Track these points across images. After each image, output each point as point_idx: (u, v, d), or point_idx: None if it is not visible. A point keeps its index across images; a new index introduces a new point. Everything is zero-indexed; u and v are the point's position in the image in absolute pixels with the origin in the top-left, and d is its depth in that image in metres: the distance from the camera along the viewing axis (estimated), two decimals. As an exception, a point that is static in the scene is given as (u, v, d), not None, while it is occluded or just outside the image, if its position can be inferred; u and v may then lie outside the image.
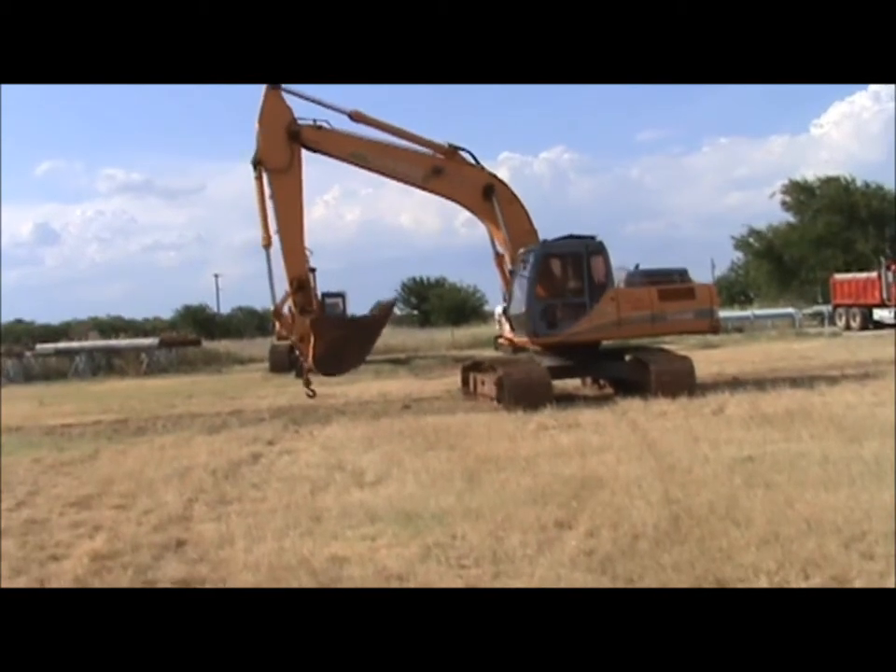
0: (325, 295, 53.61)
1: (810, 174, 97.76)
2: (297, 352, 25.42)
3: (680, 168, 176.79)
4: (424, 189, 25.80)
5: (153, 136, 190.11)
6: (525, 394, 21.74)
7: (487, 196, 25.43)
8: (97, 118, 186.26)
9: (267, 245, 23.18)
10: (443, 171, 25.13)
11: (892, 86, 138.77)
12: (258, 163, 23.23)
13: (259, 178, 23.10)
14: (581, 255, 24.70)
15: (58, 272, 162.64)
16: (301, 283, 22.33)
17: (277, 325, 53.22)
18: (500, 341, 28.81)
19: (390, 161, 25.08)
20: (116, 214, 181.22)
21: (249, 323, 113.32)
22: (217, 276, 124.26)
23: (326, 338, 23.03)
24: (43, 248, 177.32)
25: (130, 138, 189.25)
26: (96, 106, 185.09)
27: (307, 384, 24.10)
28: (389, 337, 72.65)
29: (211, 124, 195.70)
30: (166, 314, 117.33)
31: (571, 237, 25.65)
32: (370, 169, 25.34)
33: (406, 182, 25.68)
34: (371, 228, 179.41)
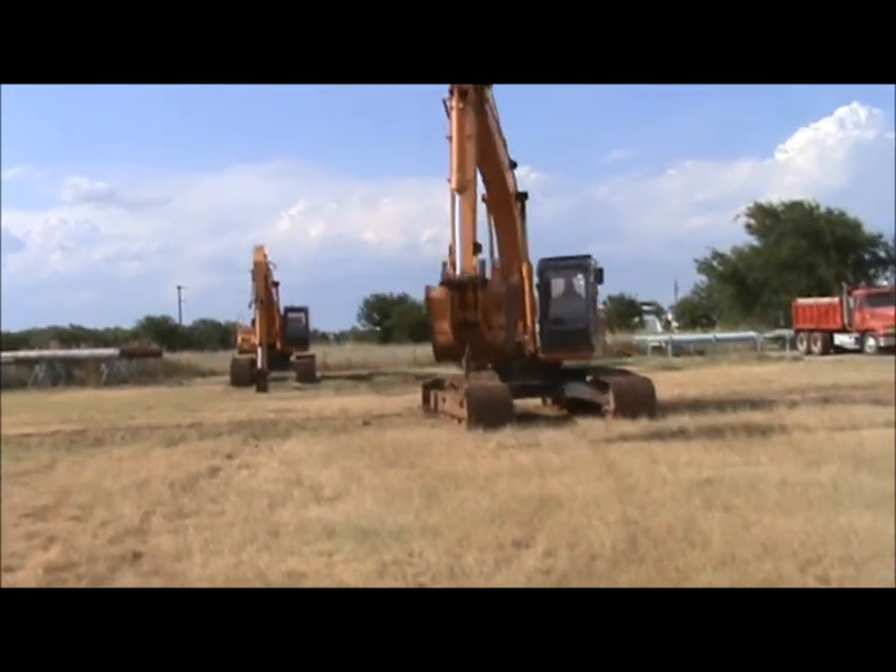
0: (288, 309, 53.56)
1: (775, 198, 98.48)
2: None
3: (646, 190, 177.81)
4: None
5: (119, 146, 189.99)
6: (485, 412, 21.71)
7: (519, 202, 25.41)
8: (65, 126, 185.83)
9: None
10: None
11: (857, 113, 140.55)
12: None
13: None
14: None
15: (20, 279, 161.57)
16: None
17: (239, 338, 53.36)
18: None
19: None
20: (79, 223, 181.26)
21: (211, 335, 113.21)
22: (180, 288, 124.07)
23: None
24: (5, 255, 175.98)
25: (96, 147, 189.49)
26: (64, 114, 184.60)
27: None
28: (351, 353, 72.76)
29: (178, 136, 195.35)
30: (128, 324, 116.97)
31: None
32: None
33: None
34: (335, 243, 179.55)
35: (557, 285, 26.15)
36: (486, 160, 21.64)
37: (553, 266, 25.95)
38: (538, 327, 25.25)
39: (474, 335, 18.54)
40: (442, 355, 19.76)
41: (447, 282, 18.29)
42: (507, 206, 24.51)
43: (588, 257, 26.19)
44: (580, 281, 26.07)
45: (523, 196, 25.68)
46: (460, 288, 17.78)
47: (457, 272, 18.15)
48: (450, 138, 18.44)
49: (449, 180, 18.51)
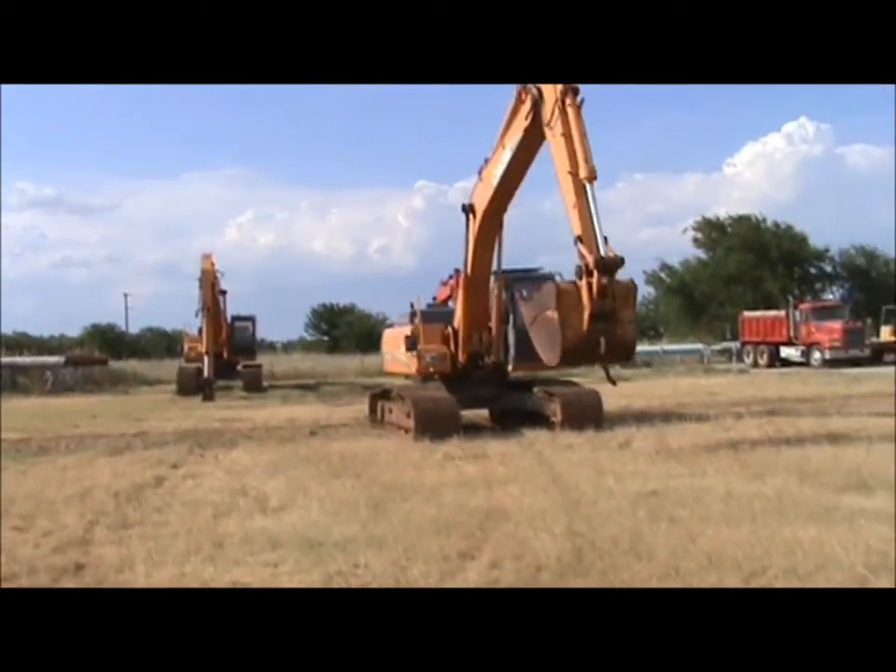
0: (235, 318, 53.27)
1: (723, 211, 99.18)
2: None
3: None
4: None
5: (67, 151, 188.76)
6: (432, 423, 21.70)
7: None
8: (11, 129, 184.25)
9: None
10: None
11: (805, 128, 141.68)
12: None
13: None
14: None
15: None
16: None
17: (186, 346, 53.06)
18: None
19: None
20: (26, 228, 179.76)
21: (158, 344, 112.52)
22: (126, 295, 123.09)
23: None
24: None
25: (43, 152, 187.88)
26: (12, 117, 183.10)
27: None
28: (298, 362, 72.48)
29: (127, 141, 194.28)
30: (74, 331, 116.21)
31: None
32: None
33: None
34: (284, 252, 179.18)
35: (527, 296, 26.15)
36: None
37: (521, 277, 26.07)
38: (510, 338, 25.22)
39: (607, 330, 17.56)
40: (571, 354, 18.11)
41: (599, 261, 17.29)
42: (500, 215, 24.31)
43: (539, 269, 26.43)
44: None
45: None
46: (611, 269, 17.11)
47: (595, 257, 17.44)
48: (565, 136, 18.10)
49: (573, 172, 17.94)
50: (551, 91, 18.59)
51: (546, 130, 18.90)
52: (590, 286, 17.09)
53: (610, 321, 17.54)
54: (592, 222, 17.28)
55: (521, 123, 20.26)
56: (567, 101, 17.91)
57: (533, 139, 20.04)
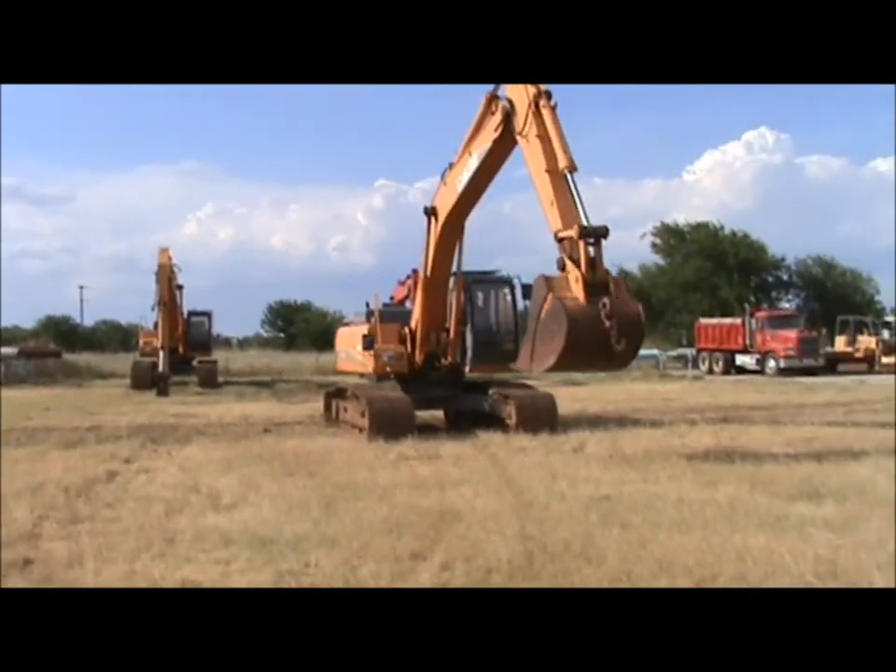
0: (191, 313, 53.12)
1: (681, 218, 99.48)
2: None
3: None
4: None
5: (25, 140, 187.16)
6: (386, 423, 21.70)
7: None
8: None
9: None
10: None
11: (765, 138, 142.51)
12: None
13: None
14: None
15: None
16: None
17: (141, 341, 52.85)
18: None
19: None
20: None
21: (113, 337, 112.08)
22: (82, 288, 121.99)
23: None
24: None
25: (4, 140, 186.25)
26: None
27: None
28: (254, 359, 72.37)
29: (85, 132, 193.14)
30: (28, 323, 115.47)
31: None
32: None
33: None
34: (242, 248, 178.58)
35: (486, 298, 26.32)
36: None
37: (480, 280, 26.32)
38: (467, 339, 25.35)
39: (610, 304, 16.30)
40: (575, 347, 16.39)
41: (583, 229, 16.62)
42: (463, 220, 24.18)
43: (497, 272, 26.65)
44: (507, 296, 26.36)
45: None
46: (596, 236, 16.58)
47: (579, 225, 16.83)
48: (541, 137, 17.87)
49: (550, 170, 17.60)
50: (523, 100, 18.49)
51: (519, 138, 18.82)
52: (577, 262, 16.74)
53: (610, 295, 16.67)
54: (575, 205, 17.07)
55: (490, 134, 20.18)
56: (542, 103, 17.86)
57: (503, 148, 20.09)
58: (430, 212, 23.20)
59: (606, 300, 16.29)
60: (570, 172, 17.00)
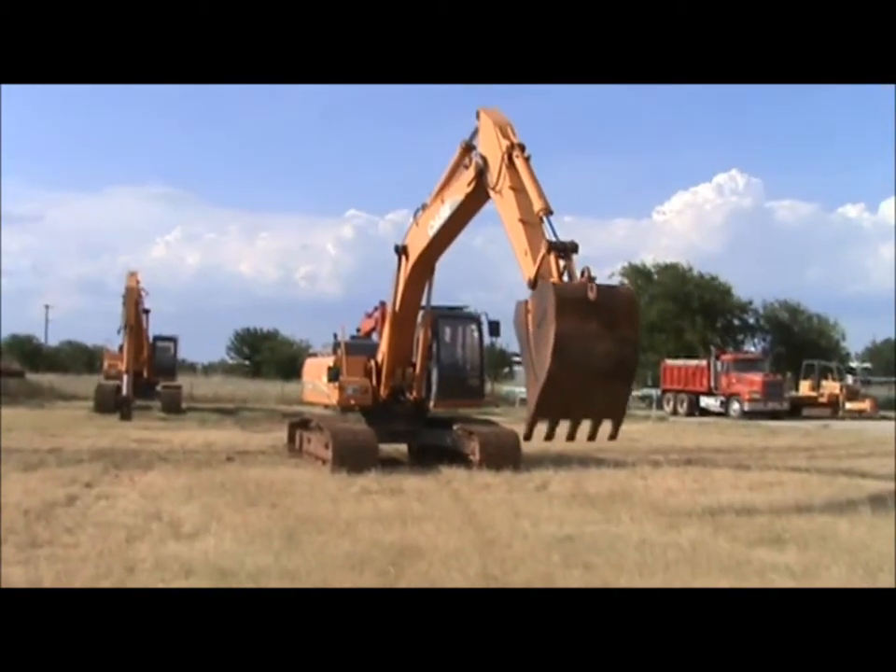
0: (157, 338, 52.95)
1: (650, 258, 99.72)
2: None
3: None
4: None
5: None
6: (350, 456, 21.63)
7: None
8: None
9: None
10: None
11: (735, 181, 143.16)
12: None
13: None
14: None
15: None
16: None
17: (106, 363, 52.58)
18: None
19: None
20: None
21: (77, 358, 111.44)
22: (47, 307, 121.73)
23: None
24: None
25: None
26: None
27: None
28: (218, 386, 72.03)
29: (57, 151, 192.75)
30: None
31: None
32: None
33: None
34: (210, 273, 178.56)
35: (452, 334, 26.46)
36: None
37: (447, 315, 26.46)
38: (433, 374, 25.44)
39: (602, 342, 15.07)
40: (567, 323, 14.82)
41: (550, 244, 16.06)
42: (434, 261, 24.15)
43: (464, 307, 26.80)
44: (473, 332, 26.59)
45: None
46: (565, 250, 15.57)
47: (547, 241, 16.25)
48: (514, 189, 17.59)
49: (523, 220, 17.07)
50: (496, 155, 18.42)
51: (492, 193, 18.70)
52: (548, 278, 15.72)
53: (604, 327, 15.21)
54: (538, 242, 16.51)
55: (463, 188, 20.17)
56: (515, 154, 17.80)
57: (475, 202, 20.11)
58: (401, 250, 23.23)
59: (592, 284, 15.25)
60: (547, 215, 16.74)
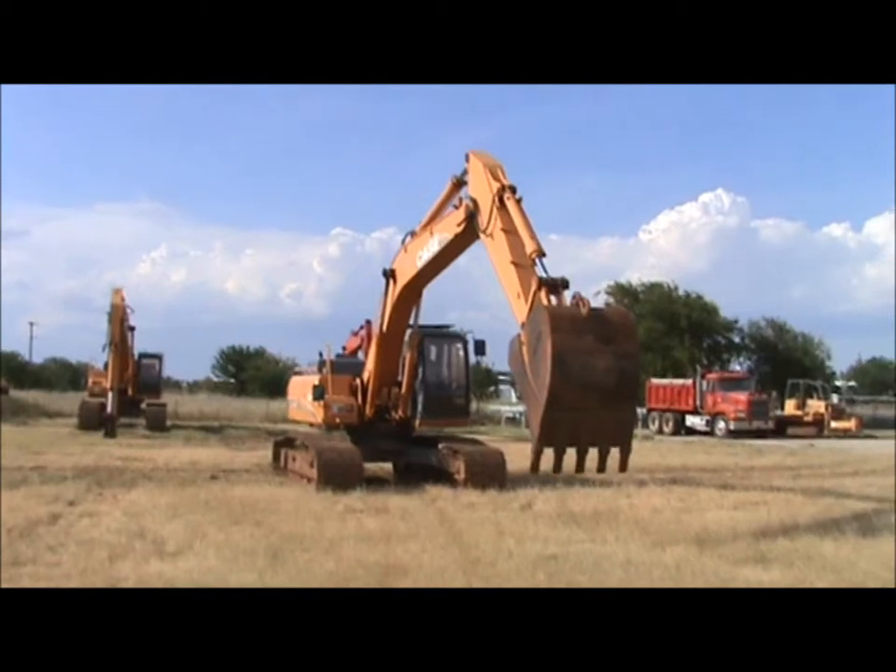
0: (142, 355, 52.85)
1: (636, 277, 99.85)
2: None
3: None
4: None
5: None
6: (335, 474, 21.59)
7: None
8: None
9: None
10: None
11: (721, 200, 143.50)
12: None
13: None
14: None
15: None
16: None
17: (91, 380, 52.44)
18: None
19: None
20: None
21: (62, 375, 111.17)
22: (32, 324, 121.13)
23: None
24: None
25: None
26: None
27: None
28: (204, 403, 71.88)
29: (43, 166, 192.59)
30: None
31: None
32: None
33: None
34: (195, 290, 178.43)
35: (438, 353, 26.51)
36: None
37: (433, 334, 26.44)
38: (419, 393, 25.40)
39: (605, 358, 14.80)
40: (564, 338, 14.59)
41: (540, 280, 15.85)
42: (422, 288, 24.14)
43: (450, 326, 26.81)
44: (459, 351, 26.55)
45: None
46: (555, 287, 15.19)
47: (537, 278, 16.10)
48: (506, 231, 17.27)
49: (516, 262, 16.73)
50: (487, 198, 18.24)
51: (483, 236, 18.53)
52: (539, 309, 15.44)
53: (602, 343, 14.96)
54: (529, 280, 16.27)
55: (452, 227, 20.05)
56: (506, 196, 17.68)
57: (464, 242, 20.04)
58: (389, 274, 23.24)
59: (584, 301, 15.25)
60: (539, 258, 16.43)
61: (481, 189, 18.77)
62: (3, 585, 11.22)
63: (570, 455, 15.44)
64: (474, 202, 18.97)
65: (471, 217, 19.00)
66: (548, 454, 15.31)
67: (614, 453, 15.63)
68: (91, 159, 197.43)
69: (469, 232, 19.30)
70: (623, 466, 15.88)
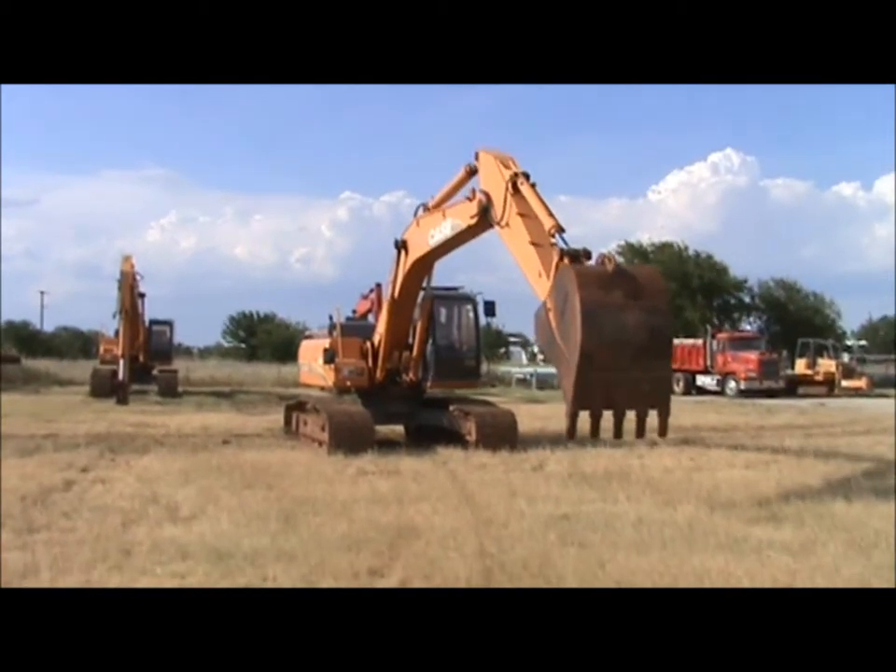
0: (153, 322, 52.89)
1: (645, 238, 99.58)
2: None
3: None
4: None
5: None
6: (347, 437, 21.65)
7: None
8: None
9: None
10: None
11: (730, 159, 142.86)
12: None
13: None
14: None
15: None
16: None
17: (102, 348, 52.48)
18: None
19: None
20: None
21: (73, 343, 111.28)
22: (42, 293, 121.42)
23: None
24: None
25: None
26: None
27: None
28: (215, 369, 71.98)
29: (51, 134, 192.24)
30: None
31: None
32: None
33: None
34: (205, 257, 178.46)
35: (448, 315, 26.58)
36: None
37: (443, 297, 26.44)
38: (429, 355, 25.55)
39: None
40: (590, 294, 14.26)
41: (561, 251, 15.68)
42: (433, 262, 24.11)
43: (460, 288, 26.86)
44: (469, 313, 26.62)
45: None
46: (576, 257, 15.28)
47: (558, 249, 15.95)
48: (522, 214, 17.22)
49: (535, 242, 16.66)
50: (500, 189, 18.20)
51: (497, 227, 18.48)
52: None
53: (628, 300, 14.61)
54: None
55: (466, 217, 19.98)
56: (520, 181, 17.57)
57: (477, 230, 20.01)
58: (401, 245, 23.20)
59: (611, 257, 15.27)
60: (559, 233, 16.22)
61: (493, 180, 18.77)
62: (17, 553, 11.29)
63: (607, 420, 15.02)
64: (487, 196, 18.94)
65: (485, 210, 18.95)
66: (584, 418, 14.94)
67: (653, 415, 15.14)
68: (99, 126, 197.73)
69: (483, 224, 19.33)
70: (662, 430, 15.55)
